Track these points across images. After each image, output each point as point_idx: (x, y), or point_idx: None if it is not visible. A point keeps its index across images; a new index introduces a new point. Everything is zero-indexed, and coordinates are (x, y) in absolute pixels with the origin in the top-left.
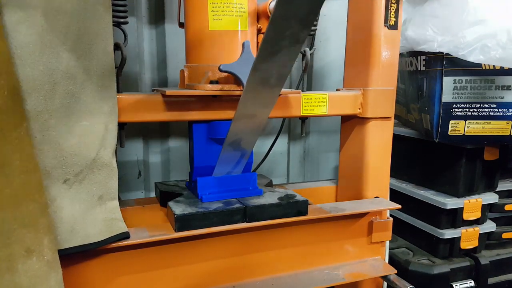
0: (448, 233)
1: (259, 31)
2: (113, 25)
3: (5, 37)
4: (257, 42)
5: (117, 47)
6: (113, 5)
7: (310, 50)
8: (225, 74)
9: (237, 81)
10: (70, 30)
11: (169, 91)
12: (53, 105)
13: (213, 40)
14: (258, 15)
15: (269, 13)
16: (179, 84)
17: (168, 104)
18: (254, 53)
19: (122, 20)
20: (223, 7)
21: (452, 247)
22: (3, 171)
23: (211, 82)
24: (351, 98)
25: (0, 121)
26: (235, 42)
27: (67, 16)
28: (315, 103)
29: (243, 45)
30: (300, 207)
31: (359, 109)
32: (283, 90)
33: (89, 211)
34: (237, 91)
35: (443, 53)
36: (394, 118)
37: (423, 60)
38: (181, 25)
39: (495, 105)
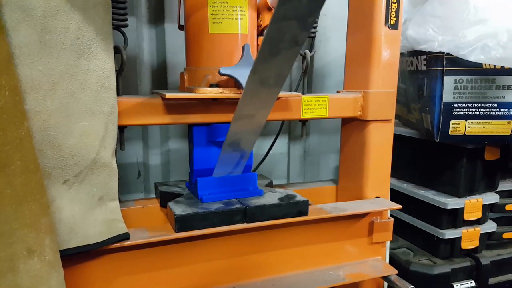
0: (449, 233)
1: (260, 28)
2: (113, 28)
3: (5, 37)
4: (257, 45)
5: (117, 50)
6: (112, 7)
7: (310, 52)
8: (225, 77)
9: (237, 84)
10: (69, 29)
11: (169, 95)
12: (52, 105)
13: (213, 43)
14: (259, 11)
15: (269, 4)
16: (179, 86)
17: (168, 107)
18: (254, 56)
19: (122, 23)
20: (223, 10)
21: (452, 247)
22: (4, 171)
23: (211, 85)
24: (352, 100)
25: (1, 121)
26: (235, 45)
27: (66, 15)
28: (315, 106)
29: (243, 48)
30: (301, 208)
31: (360, 111)
32: (284, 93)
33: (89, 211)
34: (237, 94)
35: (443, 52)
36: (395, 118)
37: (424, 59)
38: (181, 27)
39: (495, 105)
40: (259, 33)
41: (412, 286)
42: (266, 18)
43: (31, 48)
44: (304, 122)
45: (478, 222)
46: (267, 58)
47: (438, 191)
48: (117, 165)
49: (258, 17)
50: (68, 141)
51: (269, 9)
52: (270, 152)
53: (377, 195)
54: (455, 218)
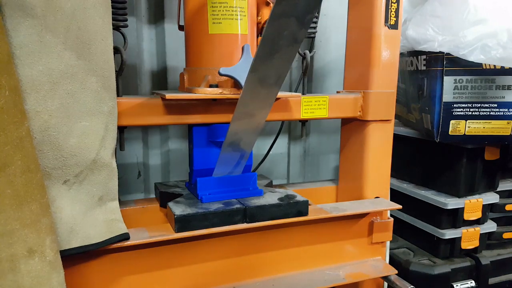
0: (449, 233)
1: (259, 26)
2: (113, 28)
3: (5, 37)
4: (257, 45)
5: (117, 51)
6: (112, 7)
7: (310, 52)
8: (225, 77)
9: (237, 84)
10: (69, 29)
11: (168, 95)
12: (52, 105)
13: (213, 44)
14: (258, 7)
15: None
16: (179, 87)
17: (168, 108)
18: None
19: (121, 23)
20: (223, 10)
21: (452, 247)
22: (4, 171)
23: (211, 86)
24: (351, 101)
25: (1, 121)
26: (235, 45)
27: (67, 15)
28: (315, 106)
29: (243, 48)
30: (301, 208)
31: (360, 111)
32: (284, 93)
33: (89, 212)
34: (237, 95)
35: (443, 52)
36: (395, 118)
37: (424, 59)
38: (181, 28)
39: (495, 105)
40: (259, 31)
41: (412, 286)
42: (265, 13)
43: (31, 48)
44: (304, 122)
45: (478, 222)
46: (266, 56)
47: (438, 191)
48: (117, 165)
49: (258, 14)
50: (68, 141)
51: (267, 3)
52: (270, 152)
53: (377, 195)
54: (455, 218)
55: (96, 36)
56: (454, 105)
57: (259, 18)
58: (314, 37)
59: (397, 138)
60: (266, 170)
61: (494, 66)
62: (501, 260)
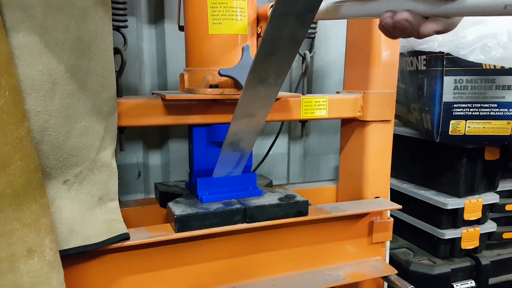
0: (449, 233)
1: (259, 35)
2: (113, 28)
3: (5, 37)
4: (257, 46)
5: (117, 51)
6: (112, 7)
7: (310, 53)
8: (225, 78)
9: (237, 85)
10: (69, 29)
11: (169, 95)
12: (52, 105)
13: (213, 44)
14: (258, 19)
15: (268, 15)
16: (179, 87)
17: (168, 108)
18: (254, 56)
19: (121, 24)
20: (223, 11)
21: (452, 247)
22: (4, 171)
23: (211, 86)
24: (351, 101)
25: (1, 121)
26: (235, 46)
27: (66, 15)
28: (315, 106)
29: (243, 49)
30: (301, 208)
31: (359, 112)
32: (284, 93)
33: (89, 212)
34: (237, 95)
35: (443, 52)
36: (395, 118)
37: (424, 59)
38: (181, 28)
39: (495, 105)
40: (259, 36)
41: (412, 286)
42: (264, 27)
43: (31, 48)
44: (304, 122)
45: (478, 222)
46: (266, 56)
47: (438, 191)
48: (117, 165)
49: (258, 24)
50: (68, 141)
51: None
52: (270, 152)
53: (377, 195)
54: (455, 218)
55: (96, 36)
56: (454, 105)
57: (259, 29)
58: (314, 37)
59: (397, 138)
60: (266, 170)
61: (494, 66)
62: (501, 260)
